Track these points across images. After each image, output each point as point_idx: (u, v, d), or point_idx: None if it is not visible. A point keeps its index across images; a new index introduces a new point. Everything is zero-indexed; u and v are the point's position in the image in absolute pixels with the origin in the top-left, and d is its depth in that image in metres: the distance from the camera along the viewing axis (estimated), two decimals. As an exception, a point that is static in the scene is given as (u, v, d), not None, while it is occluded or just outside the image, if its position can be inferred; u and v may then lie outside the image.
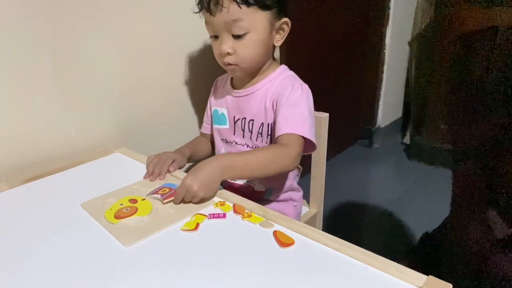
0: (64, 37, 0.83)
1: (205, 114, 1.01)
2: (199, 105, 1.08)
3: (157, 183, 0.75)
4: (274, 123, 0.81)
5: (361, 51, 2.14)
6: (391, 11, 2.10)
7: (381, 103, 2.31)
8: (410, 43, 2.27)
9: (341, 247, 0.54)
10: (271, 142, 0.86)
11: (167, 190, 0.69)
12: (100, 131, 0.95)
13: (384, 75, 2.24)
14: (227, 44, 0.78)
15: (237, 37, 0.77)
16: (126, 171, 0.82)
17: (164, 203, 0.67)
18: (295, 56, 1.54)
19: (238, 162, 0.72)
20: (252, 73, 0.86)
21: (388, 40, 2.15)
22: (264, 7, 0.76)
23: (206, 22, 0.79)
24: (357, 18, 2.01)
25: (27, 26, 0.77)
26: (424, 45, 2.15)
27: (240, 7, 0.73)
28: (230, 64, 0.80)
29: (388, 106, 2.36)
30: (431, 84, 2.10)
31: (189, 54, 1.09)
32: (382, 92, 2.28)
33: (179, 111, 1.11)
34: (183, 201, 0.67)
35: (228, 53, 0.78)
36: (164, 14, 1.00)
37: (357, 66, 2.16)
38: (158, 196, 0.68)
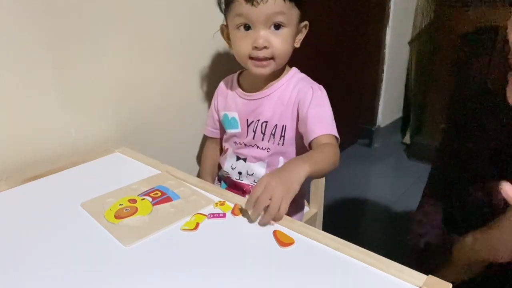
0: (65, 37, 0.83)
1: (210, 118, 0.99)
2: (200, 105, 1.08)
3: (156, 184, 0.75)
4: (297, 127, 0.83)
5: (361, 51, 2.13)
6: (391, 11, 2.10)
7: (381, 103, 2.31)
8: (410, 43, 2.27)
9: (341, 247, 0.54)
10: (283, 144, 0.86)
11: (159, 193, 0.69)
12: (100, 131, 0.95)
13: (384, 75, 2.24)
14: (264, 38, 0.76)
15: (275, 29, 0.76)
16: (126, 171, 0.82)
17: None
18: (295, 56, 1.53)
19: (316, 160, 0.70)
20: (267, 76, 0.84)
21: (388, 40, 2.15)
22: (299, 5, 0.78)
23: (239, 14, 0.76)
24: (357, 18, 2.01)
25: (27, 25, 0.77)
26: (424, 45, 2.15)
27: (284, 1, 0.74)
28: (265, 59, 0.78)
29: (388, 106, 2.36)
30: (431, 84, 2.10)
31: (190, 54, 1.08)
32: (382, 92, 2.28)
33: (179, 111, 1.11)
34: (258, 208, 0.58)
35: (265, 47, 0.77)
36: (165, 15, 1.00)
37: (357, 66, 2.16)
38: (149, 199, 0.67)
